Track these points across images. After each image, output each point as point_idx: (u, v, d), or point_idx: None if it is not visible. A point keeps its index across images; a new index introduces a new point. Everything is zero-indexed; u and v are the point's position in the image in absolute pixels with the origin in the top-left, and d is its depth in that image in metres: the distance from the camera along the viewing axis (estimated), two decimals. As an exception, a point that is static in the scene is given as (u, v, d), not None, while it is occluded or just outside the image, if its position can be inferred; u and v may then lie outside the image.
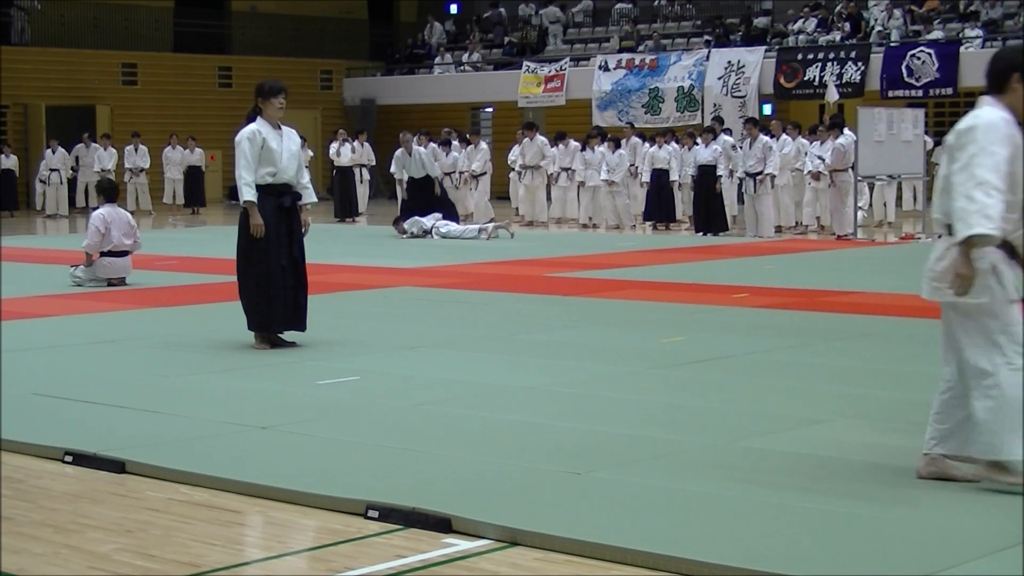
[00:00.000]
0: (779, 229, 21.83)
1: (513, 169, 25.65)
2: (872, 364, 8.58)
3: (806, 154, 21.64)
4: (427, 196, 21.86)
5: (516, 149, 25.63)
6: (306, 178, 9.67)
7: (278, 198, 9.40)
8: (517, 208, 25.98)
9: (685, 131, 24.58)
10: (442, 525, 5.06)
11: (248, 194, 9.32)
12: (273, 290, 9.33)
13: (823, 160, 20.92)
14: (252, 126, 9.44)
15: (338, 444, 6.44)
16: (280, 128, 9.50)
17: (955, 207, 5.30)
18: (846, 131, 20.82)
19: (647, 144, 23.89)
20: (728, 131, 23.51)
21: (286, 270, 9.37)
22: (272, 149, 9.37)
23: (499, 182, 28.19)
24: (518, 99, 32.75)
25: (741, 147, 21.42)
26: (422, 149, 22.38)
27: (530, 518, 5.04)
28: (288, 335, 9.51)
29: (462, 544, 4.90)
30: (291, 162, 9.46)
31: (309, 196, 9.63)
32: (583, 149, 24.05)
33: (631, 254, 17.32)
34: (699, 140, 22.44)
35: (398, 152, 22.48)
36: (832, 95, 24.71)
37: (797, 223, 22.34)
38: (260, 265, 9.33)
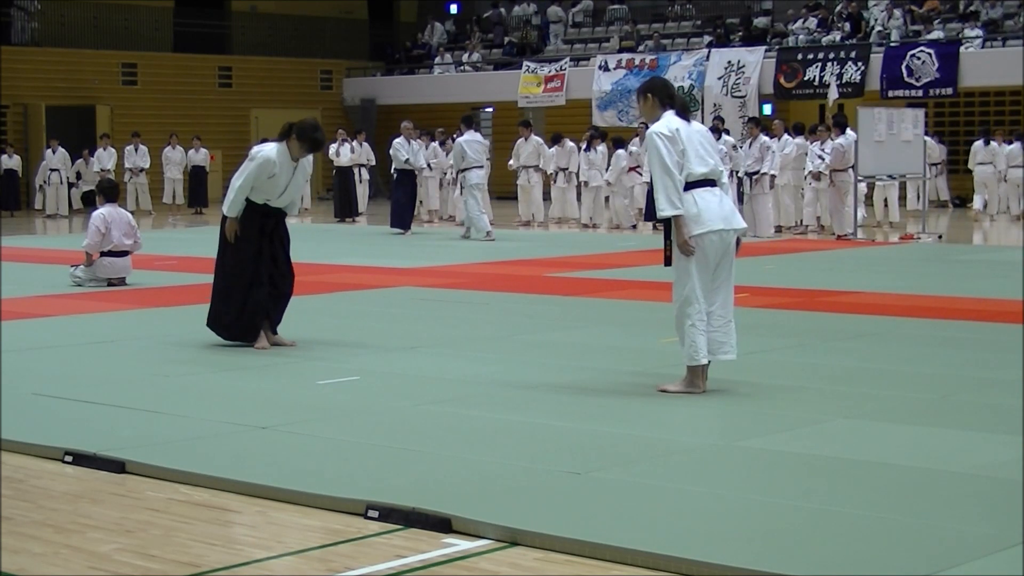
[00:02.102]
0: (779, 229, 21.84)
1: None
2: (872, 364, 8.58)
3: (805, 154, 21.64)
4: (415, 186, 22.72)
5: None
6: (297, 195, 9.72)
7: (263, 217, 9.45)
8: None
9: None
10: (442, 525, 5.06)
11: (232, 211, 9.36)
12: (244, 298, 9.33)
13: (824, 160, 20.93)
14: (271, 155, 9.35)
15: (338, 444, 6.44)
16: (297, 162, 9.45)
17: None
18: (847, 131, 20.83)
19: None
20: (726, 131, 23.52)
21: (262, 280, 9.36)
22: (278, 185, 9.40)
23: (501, 182, 28.23)
24: (518, 99, 32.76)
25: (741, 147, 21.43)
26: (416, 142, 22.68)
27: (530, 518, 5.04)
28: (287, 336, 9.50)
29: (462, 544, 4.90)
30: (291, 194, 9.53)
31: (292, 211, 9.74)
32: (586, 149, 24.05)
33: (631, 254, 17.31)
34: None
35: (399, 140, 22.43)
36: (832, 94, 24.72)
37: (797, 223, 22.34)
38: (233, 270, 9.37)
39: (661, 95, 7.60)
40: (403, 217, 21.99)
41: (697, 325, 7.51)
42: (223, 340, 9.52)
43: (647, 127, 7.70)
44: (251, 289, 9.34)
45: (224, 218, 9.45)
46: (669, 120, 7.50)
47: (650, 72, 30.56)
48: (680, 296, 7.53)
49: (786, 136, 22.00)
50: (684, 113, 7.61)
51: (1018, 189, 24.88)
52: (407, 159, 22.11)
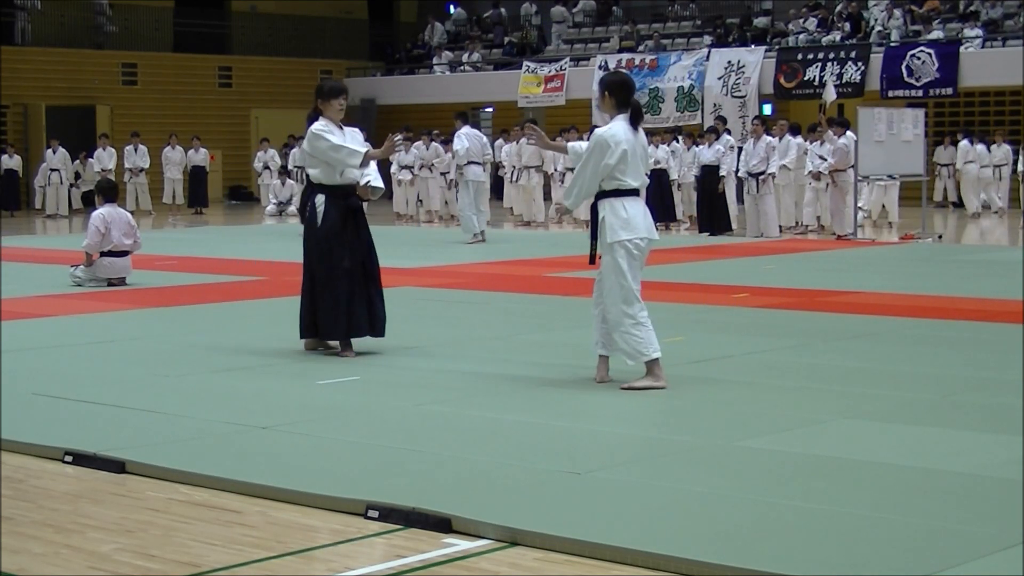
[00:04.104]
0: (780, 229, 21.83)
1: (514, 168, 25.39)
2: (872, 364, 8.58)
3: (805, 152, 21.64)
4: None
5: (510, 148, 25.46)
6: (371, 167, 9.27)
7: (345, 199, 9.15)
8: (511, 208, 25.92)
9: (686, 131, 24.66)
10: (442, 525, 5.06)
11: (354, 157, 8.94)
12: (337, 294, 9.04)
13: (825, 160, 20.92)
14: (319, 123, 9.12)
15: (338, 444, 6.44)
16: (343, 129, 9.21)
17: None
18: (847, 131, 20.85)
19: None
20: (728, 131, 23.53)
21: (352, 272, 9.10)
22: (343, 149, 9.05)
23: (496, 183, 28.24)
24: (518, 99, 32.77)
25: (742, 146, 21.41)
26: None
27: (530, 518, 5.04)
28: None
29: (462, 544, 4.90)
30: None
31: (377, 181, 9.27)
32: None
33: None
34: (698, 142, 22.48)
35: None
36: (829, 95, 24.71)
37: (797, 223, 22.34)
38: (330, 265, 9.07)
39: (619, 97, 7.86)
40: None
41: (645, 322, 7.77)
42: (307, 344, 9.26)
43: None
44: (349, 278, 9.08)
45: (314, 216, 9.07)
46: (621, 131, 7.75)
47: (650, 72, 30.60)
48: (618, 297, 7.78)
49: (788, 137, 21.96)
50: (636, 118, 7.89)
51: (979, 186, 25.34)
52: (300, 167, 21.80)
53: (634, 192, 7.84)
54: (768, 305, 11.81)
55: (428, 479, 5.68)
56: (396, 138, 9.20)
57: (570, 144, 8.29)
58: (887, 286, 13.38)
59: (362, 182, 9.21)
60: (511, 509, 5.20)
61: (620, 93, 7.87)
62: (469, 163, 20.06)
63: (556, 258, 17.03)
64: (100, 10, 33.94)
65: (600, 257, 7.93)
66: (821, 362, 8.73)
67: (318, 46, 36.85)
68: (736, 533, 4.89)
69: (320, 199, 9.14)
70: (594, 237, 7.91)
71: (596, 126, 28.93)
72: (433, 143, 25.95)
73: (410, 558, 4.75)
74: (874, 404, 7.26)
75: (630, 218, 7.76)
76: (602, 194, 7.83)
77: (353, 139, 9.24)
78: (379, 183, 9.32)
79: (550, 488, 5.55)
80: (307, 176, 9.69)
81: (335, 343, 9.23)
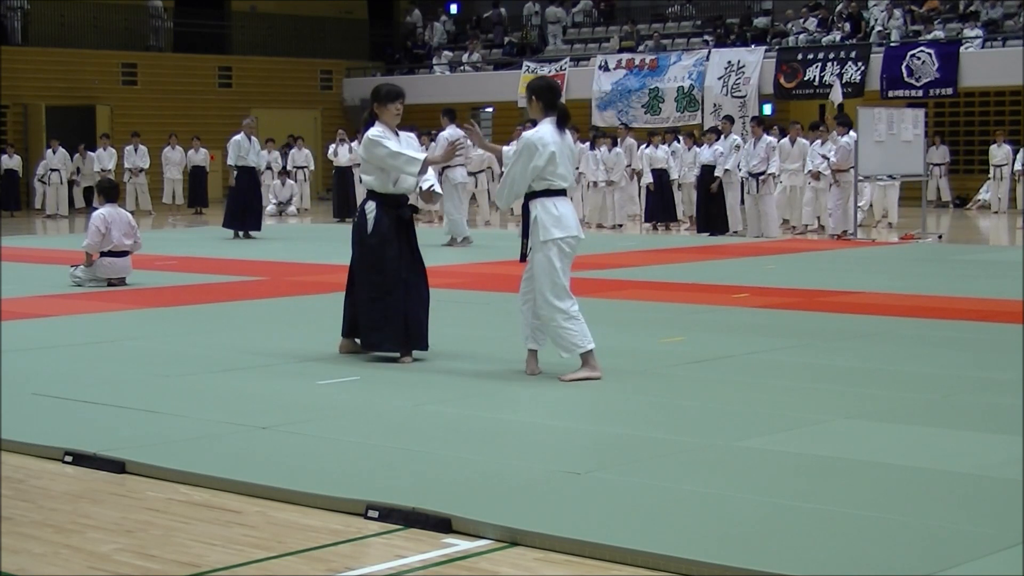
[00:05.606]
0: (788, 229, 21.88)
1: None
2: (872, 364, 8.58)
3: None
4: (255, 186, 21.70)
5: (511, 147, 25.48)
6: (430, 173, 9.17)
7: (397, 209, 9.00)
8: (512, 210, 25.92)
9: (686, 131, 24.68)
10: (442, 525, 5.06)
11: (411, 165, 8.81)
12: (390, 302, 8.90)
13: (827, 159, 20.92)
14: (376, 128, 8.96)
15: (338, 444, 6.44)
16: (398, 134, 9.07)
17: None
18: (850, 130, 20.86)
19: (646, 146, 23.82)
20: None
21: (408, 283, 8.98)
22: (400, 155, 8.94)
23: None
24: (518, 99, 32.75)
25: (744, 147, 21.42)
26: (254, 138, 21.71)
27: (530, 518, 5.04)
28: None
29: (462, 544, 4.90)
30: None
31: (437, 186, 9.22)
32: (592, 148, 24.01)
33: (631, 254, 17.32)
34: (700, 142, 22.47)
35: (237, 137, 21.51)
36: (836, 96, 24.71)
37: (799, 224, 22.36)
38: (378, 276, 8.92)
39: (545, 100, 8.14)
40: (232, 218, 21.21)
41: (577, 316, 8.00)
42: (379, 353, 9.00)
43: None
44: (404, 288, 8.93)
45: (363, 221, 8.90)
46: (548, 134, 8.02)
47: (650, 72, 30.60)
48: (550, 293, 7.97)
49: (803, 141, 21.88)
50: (563, 121, 8.16)
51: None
52: (232, 167, 21.42)
53: (562, 192, 8.09)
54: (768, 305, 11.81)
55: (428, 479, 5.68)
56: (458, 143, 9.37)
57: (504, 148, 8.46)
58: (887, 286, 13.38)
59: (424, 187, 9.11)
60: (511, 509, 5.20)
61: (546, 96, 8.14)
62: (455, 166, 20.00)
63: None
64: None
65: (530, 254, 8.13)
66: (821, 362, 8.73)
67: (318, 46, 36.85)
68: (736, 533, 4.89)
69: (371, 206, 8.96)
70: (525, 235, 8.12)
71: (596, 126, 29.13)
72: (432, 143, 25.93)
73: (410, 558, 4.75)
74: (874, 404, 7.26)
75: (561, 216, 8.01)
76: (533, 194, 8.06)
77: (409, 145, 9.13)
78: (439, 188, 9.35)
79: (550, 488, 5.55)
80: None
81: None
